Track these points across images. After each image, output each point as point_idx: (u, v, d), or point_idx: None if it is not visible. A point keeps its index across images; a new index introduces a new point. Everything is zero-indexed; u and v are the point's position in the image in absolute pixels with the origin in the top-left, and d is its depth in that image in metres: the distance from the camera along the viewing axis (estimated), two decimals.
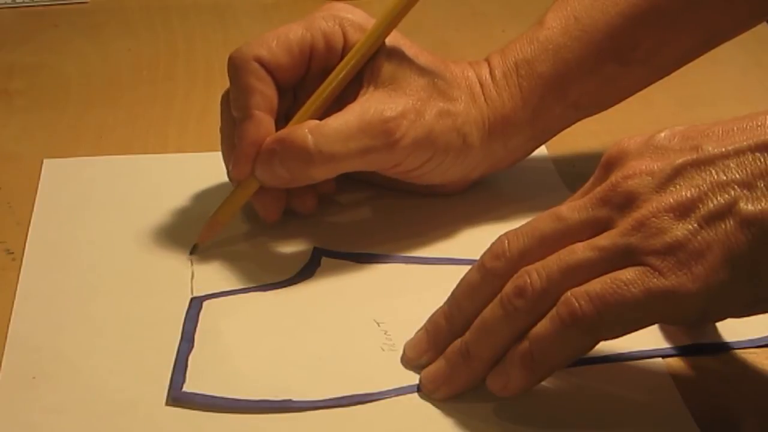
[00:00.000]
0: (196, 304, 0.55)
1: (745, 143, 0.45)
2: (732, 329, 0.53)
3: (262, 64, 0.58)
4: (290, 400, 0.49)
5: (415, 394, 0.49)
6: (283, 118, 0.59)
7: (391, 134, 0.57)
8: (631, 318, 0.45)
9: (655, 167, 0.46)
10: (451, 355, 0.49)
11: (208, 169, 0.68)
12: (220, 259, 0.59)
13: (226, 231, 0.61)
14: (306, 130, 0.56)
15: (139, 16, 0.94)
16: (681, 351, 0.53)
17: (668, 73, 0.64)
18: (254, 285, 0.57)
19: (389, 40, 0.59)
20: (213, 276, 0.57)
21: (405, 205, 0.64)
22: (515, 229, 0.49)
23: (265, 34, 0.59)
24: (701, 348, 0.53)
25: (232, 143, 0.58)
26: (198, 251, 0.59)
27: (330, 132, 0.56)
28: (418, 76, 0.59)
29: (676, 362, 0.52)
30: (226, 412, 0.48)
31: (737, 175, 0.45)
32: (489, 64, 0.62)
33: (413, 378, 0.50)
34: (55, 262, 0.58)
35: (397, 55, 0.59)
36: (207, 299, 0.55)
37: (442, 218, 0.64)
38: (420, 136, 0.58)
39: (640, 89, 0.64)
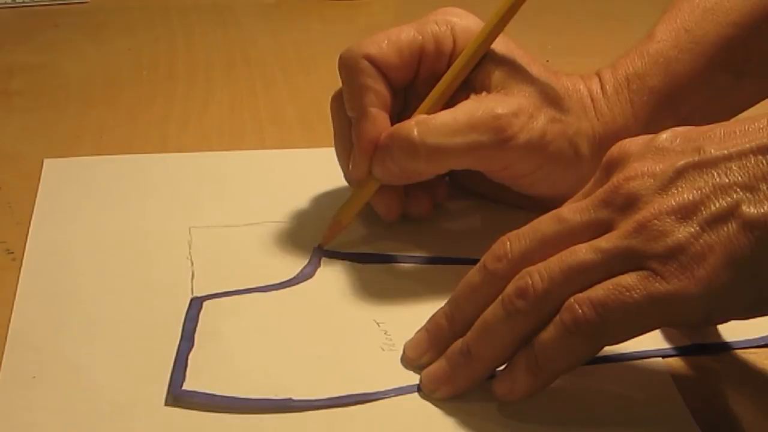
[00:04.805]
0: (196, 304, 0.55)
1: (747, 145, 0.45)
2: (732, 329, 0.53)
3: (373, 62, 0.58)
4: (290, 399, 0.49)
5: (416, 394, 0.49)
6: (395, 121, 0.59)
7: (502, 131, 0.57)
8: (634, 323, 0.45)
9: (657, 169, 0.46)
10: (452, 355, 0.49)
11: (208, 168, 0.68)
12: (220, 259, 0.59)
13: (225, 231, 0.61)
14: (413, 122, 0.57)
15: (139, 16, 0.94)
16: (681, 351, 0.53)
17: None
18: (254, 285, 0.57)
19: (502, 48, 0.59)
20: (213, 276, 0.57)
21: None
22: (516, 231, 0.49)
23: (375, 34, 0.59)
24: (701, 348, 0.53)
25: (348, 144, 0.59)
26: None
27: (436, 125, 0.56)
28: (530, 84, 0.58)
29: (676, 362, 0.52)
30: (225, 411, 0.48)
31: (739, 178, 0.45)
32: (600, 79, 0.61)
33: (413, 378, 0.50)
34: (55, 262, 0.58)
35: (508, 61, 0.59)
36: (207, 299, 0.55)
37: (443, 218, 0.64)
38: (533, 138, 0.57)
39: (753, 104, 0.63)
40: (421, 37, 0.59)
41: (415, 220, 0.63)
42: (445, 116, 0.57)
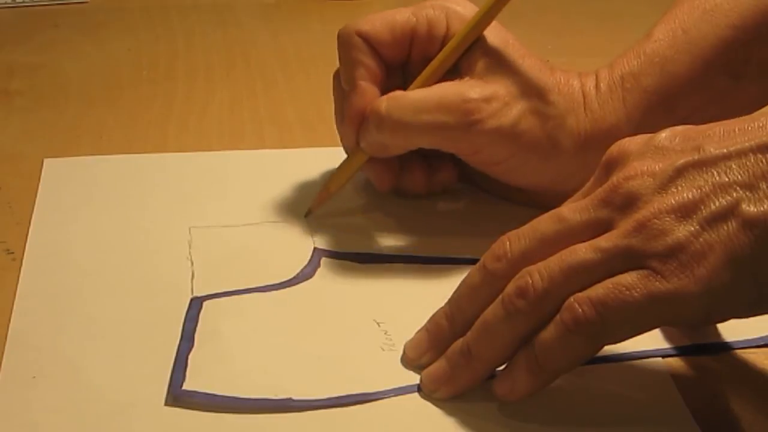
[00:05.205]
0: (196, 304, 0.55)
1: (746, 144, 0.45)
2: (732, 329, 0.53)
3: (365, 38, 0.60)
4: (290, 399, 0.49)
5: (416, 394, 0.49)
6: None
7: (469, 114, 0.58)
8: (635, 322, 0.45)
9: (657, 168, 0.46)
10: (452, 355, 0.49)
11: (208, 168, 0.68)
12: (220, 259, 0.59)
13: (225, 231, 0.61)
14: (386, 97, 0.59)
15: (139, 16, 0.94)
16: (681, 351, 0.53)
17: None
18: (254, 285, 0.57)
19: (494, 38, 0.60)
20: (213, 276, 0.57)
21: (405, 205, 0.64)
22: (516, 230, 0.49)
23: (372, 14, 0.61)
24: (701, 348, 0.53)
25: (343, 116, 0.61)
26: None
27: (405, 102, 0.58)
28: (513, 74, 0.59)
29: (676, 362, 0.52)
30: (225, 411, 0.48)
31: (739, 177, 0.45)
32: (596, 77, 0.61)
33: (413, 378, 0.50)
34: (55, 262, 0.58)
35: (497, 51, 0.59)
36: (207, 299, 0.55)
37: (443, 218, 0.64)
38: (503, 125, 0.58)
39: (753, 107, 0.62)
40: (414, 19, 0.60)
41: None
42: (417, 94, 0.59)
